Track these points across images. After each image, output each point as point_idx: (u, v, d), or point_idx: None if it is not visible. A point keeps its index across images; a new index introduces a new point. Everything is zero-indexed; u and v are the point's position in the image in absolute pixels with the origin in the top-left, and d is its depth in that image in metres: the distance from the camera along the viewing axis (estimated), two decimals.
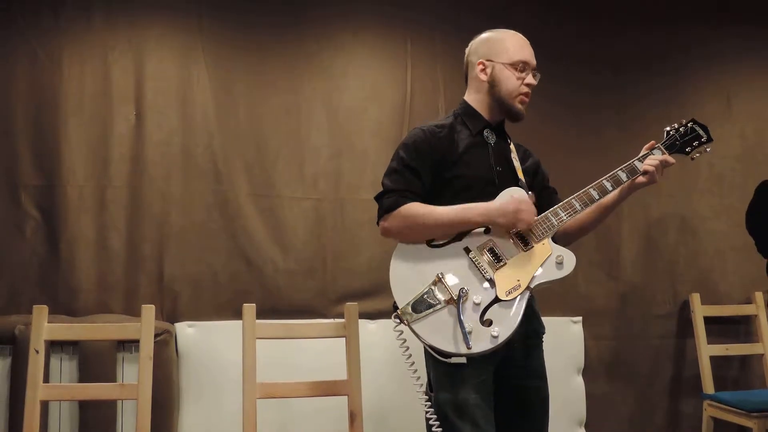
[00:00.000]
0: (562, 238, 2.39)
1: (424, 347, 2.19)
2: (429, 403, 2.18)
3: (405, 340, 2.15)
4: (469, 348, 2.08)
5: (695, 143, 2.43)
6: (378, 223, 2.31)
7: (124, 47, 3.45)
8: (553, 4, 3.93)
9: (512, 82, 2.33)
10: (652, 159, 2.32)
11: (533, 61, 2.37)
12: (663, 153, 2.36)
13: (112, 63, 3.43)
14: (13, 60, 3.35)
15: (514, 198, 2.23)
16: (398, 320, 2.14)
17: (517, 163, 2.40)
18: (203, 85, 3.52)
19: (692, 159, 2.47)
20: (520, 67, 2.33)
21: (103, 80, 3.42)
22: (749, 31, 4.13)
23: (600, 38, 3.96)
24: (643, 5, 4.03)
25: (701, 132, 2.43)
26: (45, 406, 3.07)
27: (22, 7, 3.36)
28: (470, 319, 2.13)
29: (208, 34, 3.54)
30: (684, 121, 2.44)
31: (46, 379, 3.01)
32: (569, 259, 2.24)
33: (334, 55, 3.67)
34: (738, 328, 4.01)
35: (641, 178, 2.31)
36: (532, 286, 2.20)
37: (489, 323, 2.13)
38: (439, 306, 2.15)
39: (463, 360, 2.12)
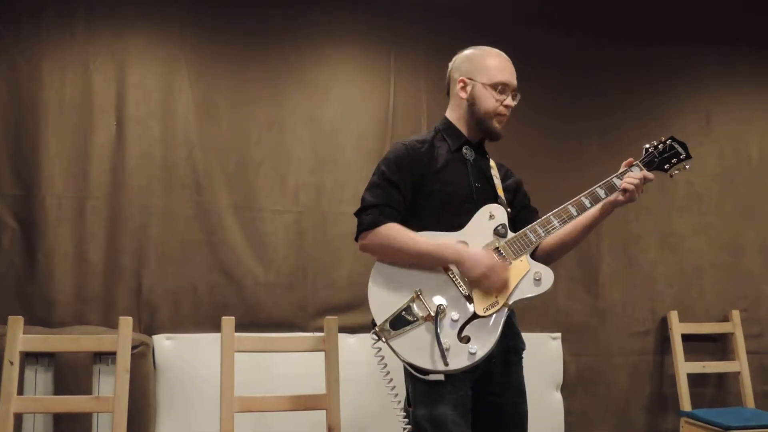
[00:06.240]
0: (544, 258, 2.38)
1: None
2: (406, 419, 2.18)
3: (383, 357, 2.15)
4: (446, 365, 2.08)
5: (674, 160, 2.41)
6: (356, 239, 2.31)
7: (106, 57, 3.43)
8: (538, 22, 3.96)
9: (491, 103, 2.33)
10: (632, 177, 2.30)
11: (514, 83, 2.36)
12: (642, 170, 2.35)
13: (94, 72, 3.41)
14: None
15: (490, 262, 2.19)
16: (376, 337, 2.14)
17: (497, 181, 2.40)
18: (185, 97, 3.51)
19: (671, 176, 2.45)
20: (499, 88, 2.33)
21: (84, 90, 3.39)
22: (729, 52, 4.19)
23: (582, 57, 4.00)
24: (623, 25, 4.07)
25: (680, 149, 2.41)
26: (19, 418, 3.04)
27: (1, 16, 3.34)
28: (448, 336, 2.13)
29: (191, 46, 3.53)
30: (663, 139, 2.42)
31: (21, 392, 2.97)
32: (547, 276, 2.24)
33: (317, 68, 3.68)
34: (715, 345, 4.05)
35: (621, 197, 2.30)
36: (510, 302, 2.20)
37: (467, 340, 2.13)
38: (417, 323, 2.15)
39: (441, 377, 2.11)
